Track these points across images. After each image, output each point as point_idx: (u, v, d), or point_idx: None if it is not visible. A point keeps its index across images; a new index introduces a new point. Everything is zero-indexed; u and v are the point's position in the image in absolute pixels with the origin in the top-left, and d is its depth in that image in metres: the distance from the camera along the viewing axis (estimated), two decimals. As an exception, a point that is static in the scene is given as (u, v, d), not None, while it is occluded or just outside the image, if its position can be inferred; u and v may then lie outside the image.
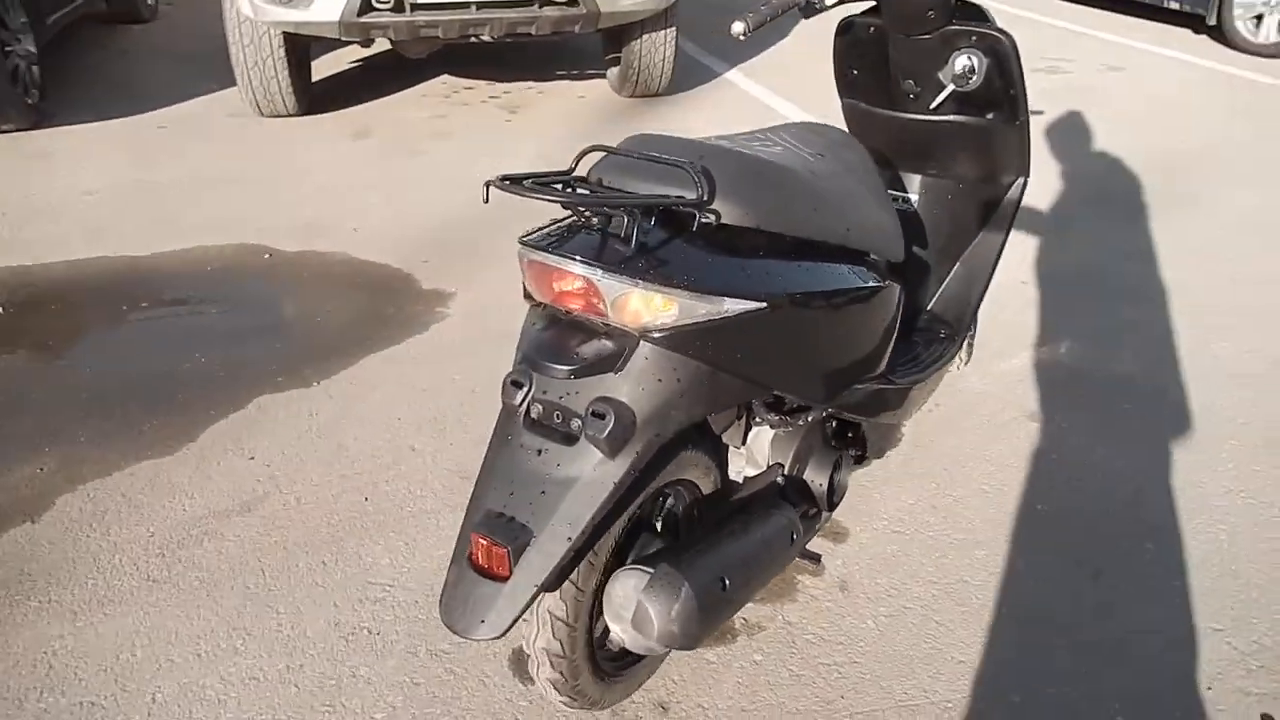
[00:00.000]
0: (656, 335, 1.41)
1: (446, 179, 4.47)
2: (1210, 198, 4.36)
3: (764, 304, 1.51)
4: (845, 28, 2.30)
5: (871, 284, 1.83)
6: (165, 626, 1.99)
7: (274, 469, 2.48)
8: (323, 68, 6.04)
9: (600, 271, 1.38)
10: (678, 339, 1.42)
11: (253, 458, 2.53)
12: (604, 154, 1.54)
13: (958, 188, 2.41)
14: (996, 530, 2.32)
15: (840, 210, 1.77)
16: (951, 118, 2.25)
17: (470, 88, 5.95)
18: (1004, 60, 2.13)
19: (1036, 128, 4.79)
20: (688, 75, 6.08)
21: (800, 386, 1.73)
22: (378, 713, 1.80)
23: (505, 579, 1.37)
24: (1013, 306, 3.38)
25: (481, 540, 1.37)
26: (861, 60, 2.27)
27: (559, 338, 1.45)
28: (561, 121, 5.35)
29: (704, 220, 1.43)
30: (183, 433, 2.61)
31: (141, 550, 2.20)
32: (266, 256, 3.68)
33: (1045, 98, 5.62)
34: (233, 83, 5.09)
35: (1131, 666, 1.94)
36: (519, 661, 1.90)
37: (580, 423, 1.40)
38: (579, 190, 1.46)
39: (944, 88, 2.19)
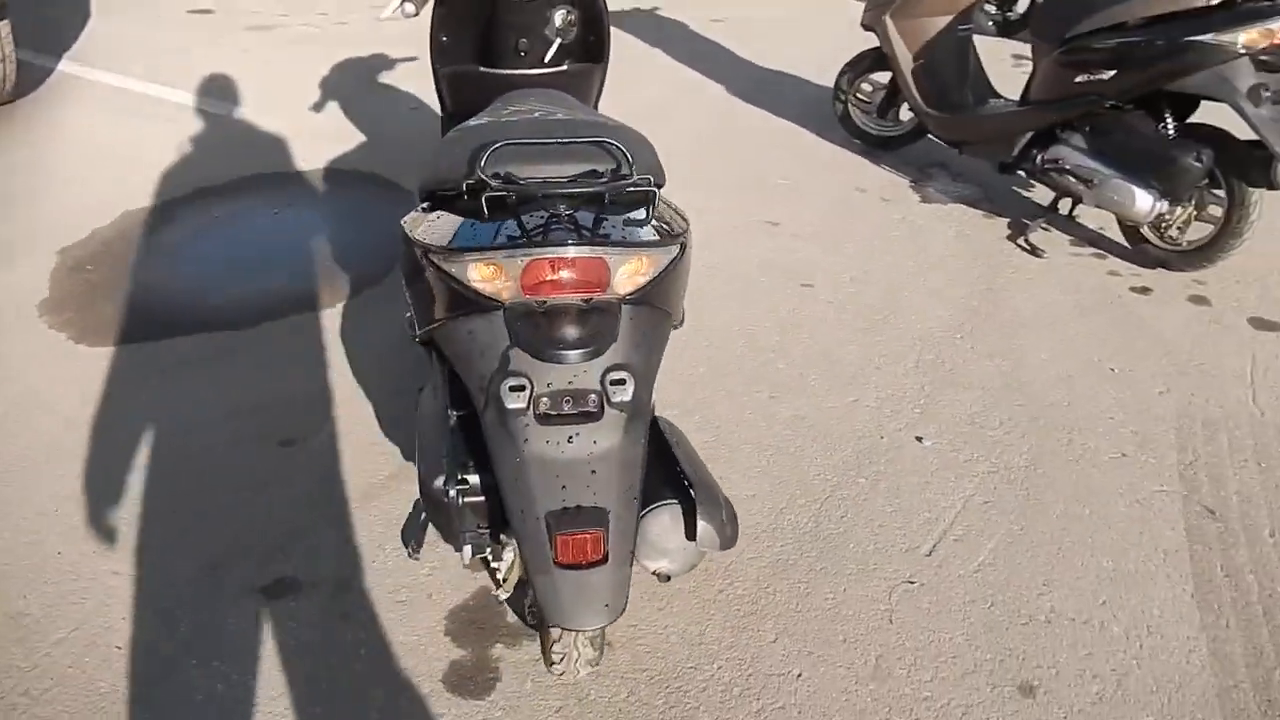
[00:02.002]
0: (633, 296, 1.51)
1: None
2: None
3: (678, 245, 1.63)
4: None
5: None
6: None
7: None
8: None
9: (607, 248, 1.46)
10: (648, 294, 1.54)
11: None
12: (495, 146, 1.53)
13: None
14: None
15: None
16: (564, 67, 2.53)
17: None
18: (594, 10, 2.48)
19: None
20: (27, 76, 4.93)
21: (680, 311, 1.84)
22: None
23: (603, 561, 1.41)
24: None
25: (568, 537, 1.38)
26: (458, 27, 2.42)
27: (554, 327, 1.45)
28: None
29: (648, 190, 1.56)
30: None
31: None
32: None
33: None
34: None
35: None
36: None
37: (597, 397, 1.45)
38: (509, 187, 1.50)
39: (552, 42, 2.45)
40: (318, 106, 4.86)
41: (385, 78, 5.33)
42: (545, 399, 1.45)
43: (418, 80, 5.13)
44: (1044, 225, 3.71)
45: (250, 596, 1.99)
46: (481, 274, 1.45)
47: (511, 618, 1.96)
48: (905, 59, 4.05)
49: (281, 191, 3.88)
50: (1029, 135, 3.57)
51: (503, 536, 1.65)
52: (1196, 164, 3.06)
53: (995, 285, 3.32)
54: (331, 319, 3.01)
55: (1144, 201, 3.20)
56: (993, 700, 1.80)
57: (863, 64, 4.39)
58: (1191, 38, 3.00)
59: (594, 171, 1.55)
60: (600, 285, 1.47)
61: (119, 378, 2.68)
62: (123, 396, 2.60)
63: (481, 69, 2.51)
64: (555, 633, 1.62)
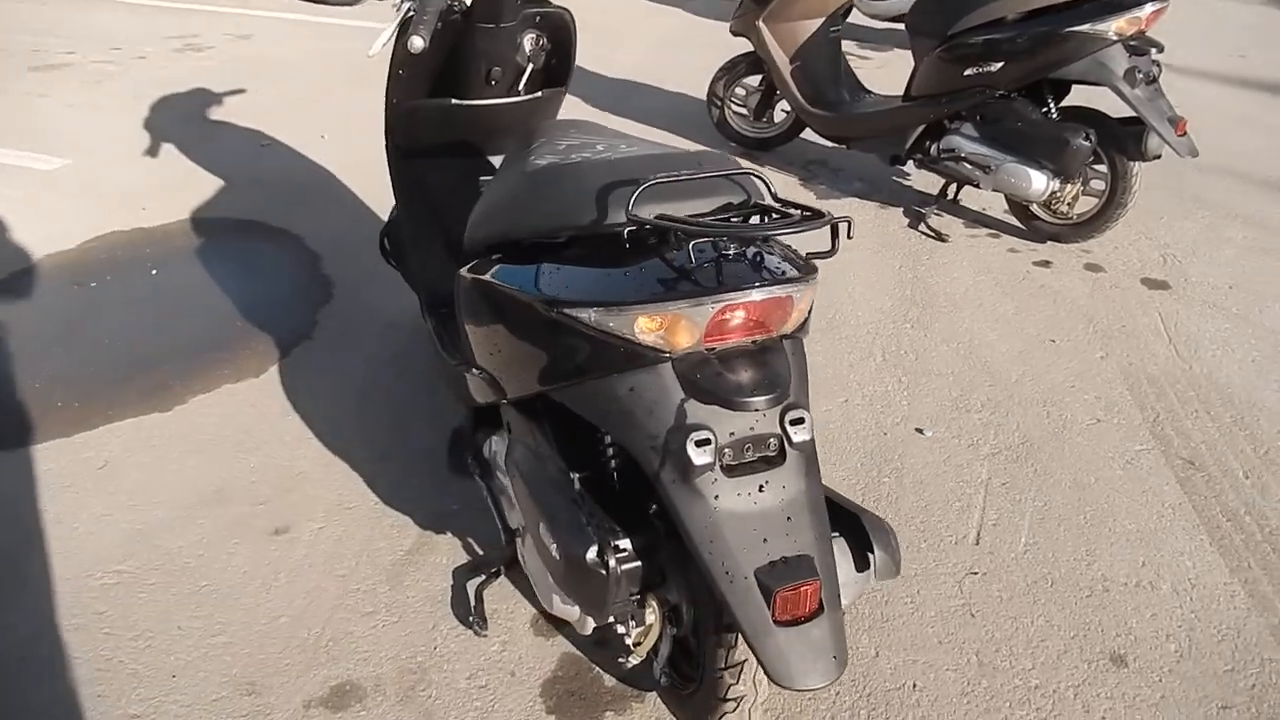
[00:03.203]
0: (791, 331, 1.45)
1: None
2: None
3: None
4: (403, 28, 2.14)
5: None
6: None
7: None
8: None
9: (789, 286, 1.38)
10: (801, 327, 1.49)
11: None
12: (646, 185, 1.39)
13: None
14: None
15: None
16: (539, 94, 2.38)
17: None
18: (564, 34, 2.31)
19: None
20: None
21: None
22: None
23: (820, 611, 1.34)
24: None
25: (789, 593, 1.31)
26: (420, 58, 2.16)
27: (735, 373, 1.38)
28: None
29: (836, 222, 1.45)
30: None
31: None
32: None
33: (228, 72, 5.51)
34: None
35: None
36: None
37: (777, 440, 1.40)
38: (693, 224, 1.38)
39: (524, 68, 2.31)
40: (152, 151, 4.38)
41: (217, 114, 4.88)
42: (728, 450, 1.36)
43: (256, 116, 4.75)
44: (937, 211, 3.93)
45: (311, 714, 1.75)
46: (650, 325, 1.34)
47: (610, 681, 1.83)
48: (783, 62, 4.15)
49: (151, 249, 3.45)
50: (921, 128, 3.77)
51: (650, 600, 1.55)
52: (1085, 143, 3.33)
53: (919, 273, 3.47)
54: (270, 384, 2.71)
55: (1039, 182, 3.44)
56: (1093, 676, 1.87)
57: (737, 69, 4.47)
58: (1070, 28, 3.25)
59: (730, 204, 1.47)
60: (778, 324, 1.39)
61: (49, 481, 2.29)
62: (63, 502, 2.22)
63: (454, 102, 2.33)
64: (722, 656, 1.51)
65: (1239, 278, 3.47)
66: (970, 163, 3.61)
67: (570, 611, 1.65)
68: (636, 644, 1.62)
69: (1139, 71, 3.28)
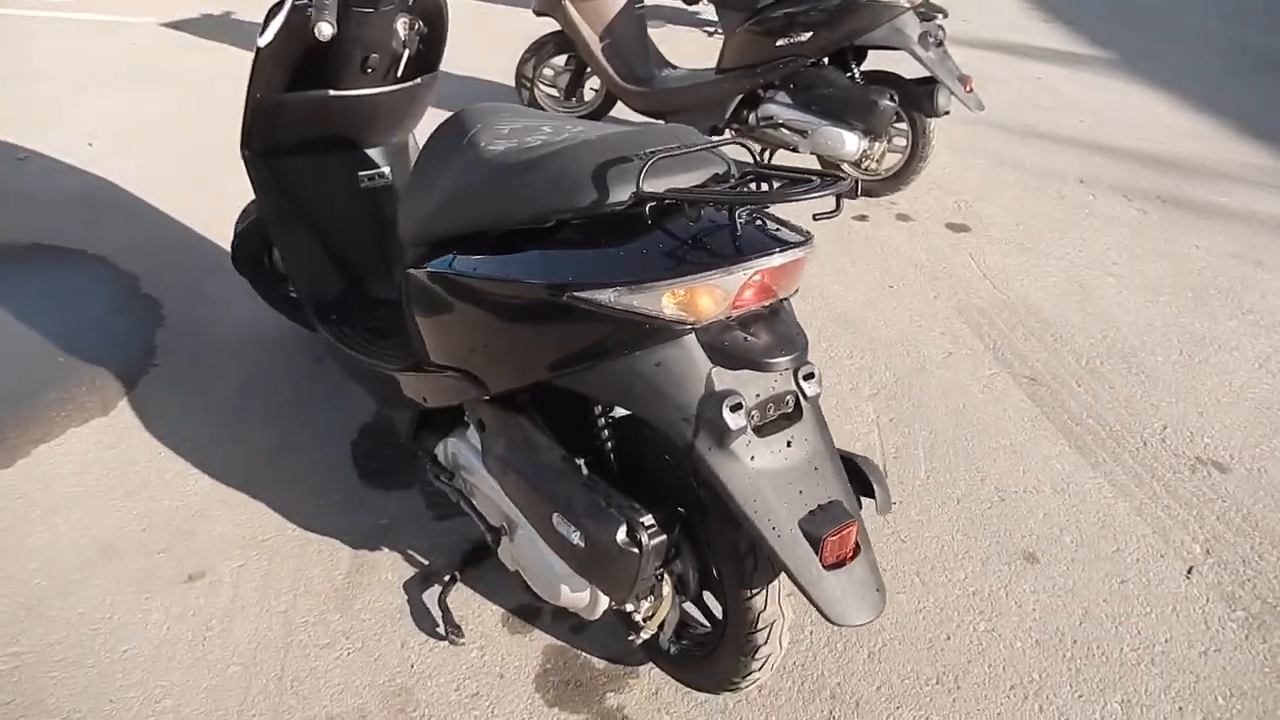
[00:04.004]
0: (791, 292, 1.49)
1: None
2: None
3: None
4: (293, 14, 2.05)
5: None
6: None
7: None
8: None
9: (804, 249, 1.40)
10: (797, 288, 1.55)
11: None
12: (653, 160, 1.40)
13: (407, 146, 2.51)
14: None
15: None
16: (418, 81, 2.32)
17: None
18: (437, 17, 2.26)
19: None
20: None
21: None
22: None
23: (858, 551, 1.42)
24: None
25: (832, 537, 1.37)
26: (287, 49, 2.08)
27: (759, 336, 1.41)
28: None
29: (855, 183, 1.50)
30: None
31: None
32: None
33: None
34: None
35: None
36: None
37: (793, 397, 1.45)
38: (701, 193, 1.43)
39: (400, 54, 2.23)
40: None
41: (-53, 127, 4.26)
42: (755, 411, 1.40)
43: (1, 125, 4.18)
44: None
45: (297, 759, 1.63)
46: (677, 299, 1.34)
47: (600, 663, 1.84)
48: (593, 40, 4.19)
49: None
50: (739, 98, 3.94)
51: (664, 574, 1.57)
52: (890, 103, 3.63)
53: (758, 236, 3.64)
54: (123, 421, 2.44)
55: (852, 142, 3.71)
56: (1016, 575, 2.10)
57: (545, 49, 4.45)
58: (869, -1, 3.53)
59: (717, 174, 1.49)
60: (787, 287, 1.44)
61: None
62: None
63: (332, 93, 2.18)
64: (752, 617, 1.54)
65: (1021, 216, 3.93)
66: (789, 128, 3.83)
67: (578, 599, 1.64)
68: (646, 618, 1.64)
69: (930, 36, 3.61)
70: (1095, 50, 6.40)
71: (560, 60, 4.50)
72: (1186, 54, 6.35)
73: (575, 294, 1.38)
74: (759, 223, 1.43)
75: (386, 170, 2.44)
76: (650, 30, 4.40)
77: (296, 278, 2.36)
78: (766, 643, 1.55)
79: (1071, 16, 7.16)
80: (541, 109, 4.54)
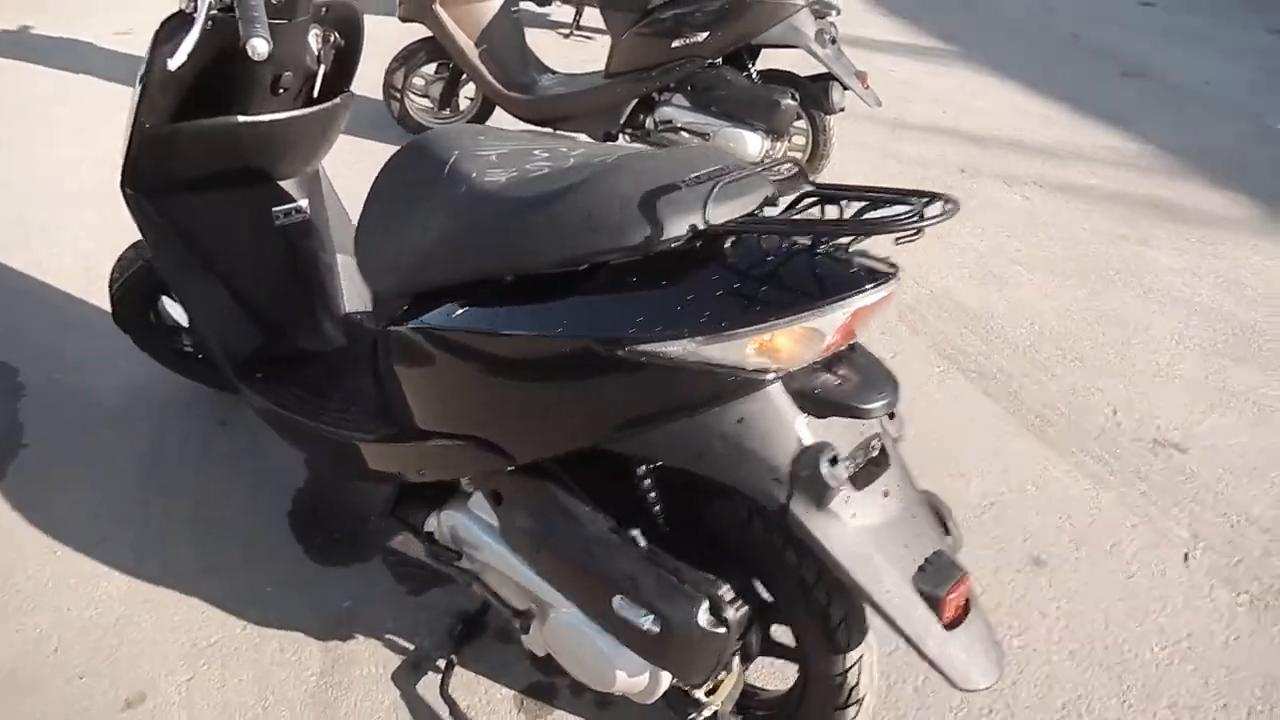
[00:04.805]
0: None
1: None
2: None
3: None
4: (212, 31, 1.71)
5: None
6: None
7: None
8: None
9: (894, 282, 1.23)
10: None
11: None
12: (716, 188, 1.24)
13: (319, 175, 2.23)
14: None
15: None
16: (336, 101, 2.05)
17: None
18: (353, 29, 2.04)
19: None
20: None
21: None
22: None
23: (968, 607, 1.29)
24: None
25: (952, 595, 1.24)
26: (184, 72, 1.73)
27: (849, 378, 1.28)
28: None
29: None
30: None
31: None
32: None
33: None
34: None
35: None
36: None
37: (878, 441, 1.32)
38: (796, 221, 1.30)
39: (315, 71, 1.98)
40: None
41: None
42: (848, 462, 1.24)
43: None
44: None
45: None
46: (764, 346, 1.16)
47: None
48: (468, 46, 3.93)
49: None
50: (634, 102, 3.78)
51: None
52: (791, 102, 3.57)
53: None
54: (-1, 522, 2.02)
55: (754, 143, 3.63)
56: (1029, 581, 2.04)
57: (415, 58, 4.14)
58: (763, -3, 3.45)
59: (768, 199, 1.30)
60: (865, 325, 1.26)
61: None
62: None
63: (241, 119, 1.85)
64: (840, 669, 1.39)
65: (917, 208, 3.96)
66: (689, 131, 3.71)
67: (636, 684, 1.43)
68: (709, 693, 1.46)
69: (825, 34, 3.58)
70: (936, 42, 6.64)
71: (431, 69, 4.20)
72: (1013, 40, 6.70)
73: (635, 347, 1.18)
74: (835, 253, 1.27)
75: (304, 204, 2.12)
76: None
77: (207, 333, 2.01)
78: (858, 683, 1.41)
79: (904, 9, 7.43)
80: (413, 121, 4.23)
